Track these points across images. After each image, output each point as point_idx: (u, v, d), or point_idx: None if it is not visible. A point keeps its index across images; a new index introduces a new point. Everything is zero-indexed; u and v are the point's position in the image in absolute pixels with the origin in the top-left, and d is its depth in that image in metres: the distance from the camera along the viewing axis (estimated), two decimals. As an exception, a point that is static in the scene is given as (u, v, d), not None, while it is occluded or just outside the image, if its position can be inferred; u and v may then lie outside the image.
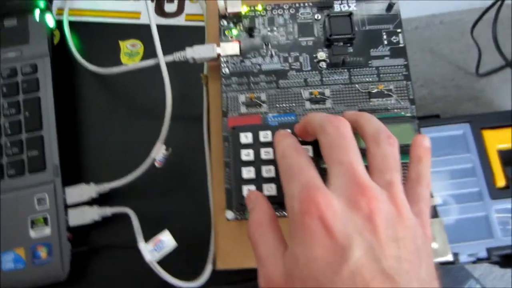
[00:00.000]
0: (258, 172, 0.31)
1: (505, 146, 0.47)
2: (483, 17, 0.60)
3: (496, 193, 0.45)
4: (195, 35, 0.45)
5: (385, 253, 0.20)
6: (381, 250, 0.20)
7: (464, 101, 0.63)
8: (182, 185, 0.42)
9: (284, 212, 0.33)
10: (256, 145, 0.32)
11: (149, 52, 0.45)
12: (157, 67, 0.39)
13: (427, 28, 0.69)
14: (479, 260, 0.46)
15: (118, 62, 0.45)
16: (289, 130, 0.29)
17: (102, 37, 0.46)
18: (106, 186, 0.40)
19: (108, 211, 0.39)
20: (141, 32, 0.46)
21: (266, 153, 0.32)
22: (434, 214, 0.36)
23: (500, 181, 0.46)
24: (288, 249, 0.23)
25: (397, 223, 0.22)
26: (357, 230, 0.21)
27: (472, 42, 0.63)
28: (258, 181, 0.31)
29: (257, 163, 0.32)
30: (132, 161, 0.40)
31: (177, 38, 0.45)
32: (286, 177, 0.25)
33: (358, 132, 0.27)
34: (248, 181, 0.31)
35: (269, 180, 0.31)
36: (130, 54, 0.45)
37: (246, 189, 0.31)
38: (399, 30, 0.36)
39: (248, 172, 0.31)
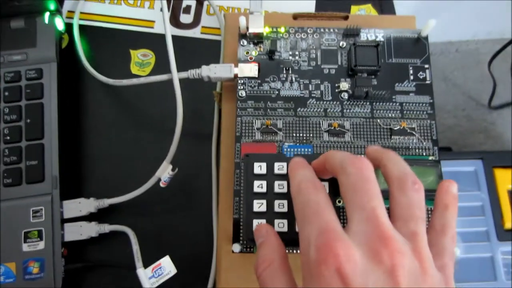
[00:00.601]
0: (270, 205, 0.30)
1: (515, 187, 0.46)
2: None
3: (504, 235, 0.44)
4: (210, 49, 0.44)
5: None
6: None
7: (475, 133, 0.62)
8: (185, 206, 0.40)
9: (294, 250, 0.31)
10: (270, 176, 0.30)
11: (161, 63, 0.43)
12: (168, 80, 0.38)
13: (442, 55, 0.68)
14: (480, 303, 0.45)
15: (128, 71, 0.43)
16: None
17: (112, 44, 0.44)
18: (106, 202, 0.38)
19: (106, 228, 0.37)
20: (153, 42, 0.44)
21: (280, 187, 0.30)
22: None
23: (509, 223, 0.45)
24: None
25: (420, 281, 0.20)
26: (378, 286, 0.19)
27: (486, 72, 0.62)
28: (270, 215, 0.30)
29: (270, 196, 0.30)
30: (135, 177, 0.39)
31: (191, 50, 0.44)
32: (302, 216, 0.23)
33: (381, 171, 0.25)
34: (259, 214, 0.30)
35: (281, 215, 0.30)
36: (141, 64, 0.43)
37: (257, 223, 0.30)
38: (426, 66, 0.34)
39: (259, 205, 0.30)
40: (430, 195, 0.27)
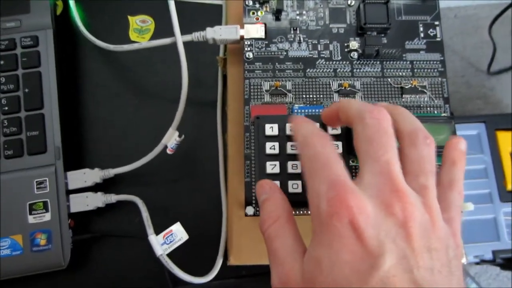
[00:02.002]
0: (283, 167, 0.29)
1: (517, 148, 0.46)
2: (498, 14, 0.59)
3: (506, 196, 0.45)
4: (210, 14, 0.42)
5: (419, 263, 0.19)
6: (415, 260, 0.19)
7: (473, 99, 0.62)
8: (190, 174, 0.39)
9: (304, 211, 0.31)
10: (282, 137, 0.30)
11: (161, 29, 0.42)
12: (169, 46, 0.36)
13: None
14: (483, 262, 0.45)
15: (126, 39, 0.42)
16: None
17: (109, 10, 0.42)
18: (111, 172, 0.37)
19: (113, 198, 0.37)
20: (152, 7, 0.42)
21: (292, 147, 0.29)
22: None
23: (511, 184, 0.46)
24: (309, 250, 0.22)
25: (431, 233, 0.20)
26: (390, 237, 0.20)
27: (485, 38, 0.62)
28: (283, 176, 0.29)
29: (282, 157, 0.30)
30: (138, 146, 0.38)
31: (190, 16, 0.42)
32: (310, 170, 0.23)
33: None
34: (272, 176, 0.29)
35: (294, 176, 0.29)
36: (140, 30, 0.42)
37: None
38: (437, 23, 0.34)
39: (272, 167, 0.29)
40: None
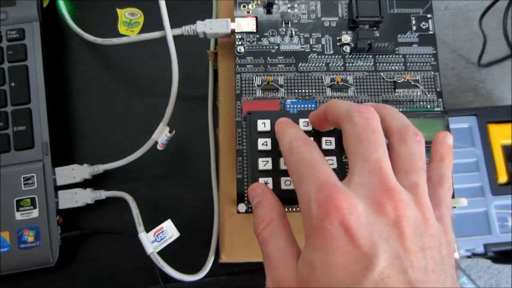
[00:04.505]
0: (275, 163, 0.29)
1: (508, 141, 0.46)
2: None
3: (498, 189, 0.45)
4: (199, 8, 0.42)
5: (413, 263, 0.19)
6: (409, 260, 0.19)
7: (464, 91, 0.62)
8: (181, 170, 0.39)
9: (297, 208, 0.31)
10: (274, 134, 0.30)
11: (150, 22, 0.41)
12: (158, 39, 0.36)
13: (432, 14, 0.67)
14: (474, 255, 0.46)
15: (115, 32, 0.41)
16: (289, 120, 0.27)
17: (97, 3, 0.41)
18: (100, 168, 0.36)
19: (102, 194, 0.36)
20: (141, 0, 0.41)
21: (284, 144, 0.29)
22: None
23: (502, 177, 0.46)
24: (303, 254, 0.21)
25: (423, 231, 0.20)
26: (383, 237, 0.19)
27: (475, 30, 0.62)
28: (275, 173, 0.29)
29: (275, 153, 0.29)
30: (128, 142, 0.38)
31: (179, 9, 0.41)
32: (297, 175, 0.23)
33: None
34: (264, 173, 0.29)
35: (287, 173, 0.29)
36: (129, 23, 0.41)
37: (262, 181, 0.29)
38: (429, 16, 0.33)
39: (264, 163, 0.29)
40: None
